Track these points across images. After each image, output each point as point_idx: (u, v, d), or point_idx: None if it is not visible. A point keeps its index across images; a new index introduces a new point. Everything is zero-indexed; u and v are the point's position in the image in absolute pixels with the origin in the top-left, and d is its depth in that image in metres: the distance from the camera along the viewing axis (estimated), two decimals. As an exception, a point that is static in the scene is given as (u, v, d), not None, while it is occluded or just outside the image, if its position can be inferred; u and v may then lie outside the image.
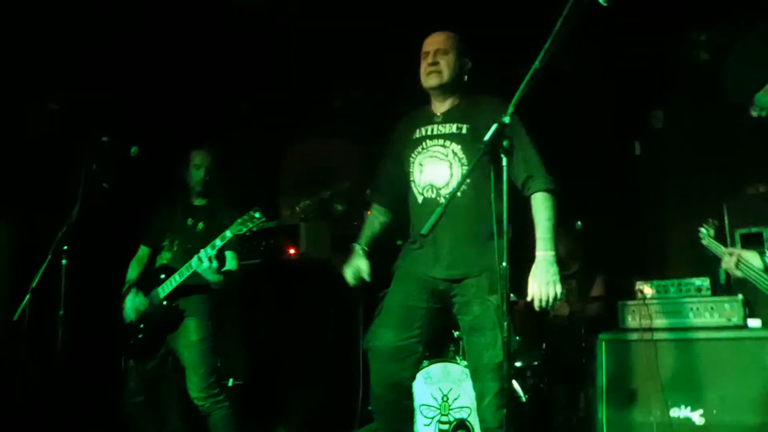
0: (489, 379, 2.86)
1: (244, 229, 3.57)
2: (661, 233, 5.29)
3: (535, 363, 4.57)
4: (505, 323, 2.12)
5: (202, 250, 3.64)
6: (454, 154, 3.02)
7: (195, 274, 3.72)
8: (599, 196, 5.17)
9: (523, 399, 4.27)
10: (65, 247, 3.56)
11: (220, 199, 4.08)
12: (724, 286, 4.11)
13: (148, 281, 3.98)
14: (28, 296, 3.54)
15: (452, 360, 4.35)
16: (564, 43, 2.22)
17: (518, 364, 4.59)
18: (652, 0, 4.52)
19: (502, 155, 2.14)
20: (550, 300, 2.75)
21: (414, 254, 3.09)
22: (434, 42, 3.09)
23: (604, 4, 2.26)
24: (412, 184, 3.12)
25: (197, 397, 3.78)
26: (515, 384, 4.35)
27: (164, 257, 4.01)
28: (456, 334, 4.62)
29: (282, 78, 5.57)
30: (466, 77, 3.11)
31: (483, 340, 2.89)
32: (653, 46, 4.96)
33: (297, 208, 5.69)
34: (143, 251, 4.14)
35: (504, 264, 2.13)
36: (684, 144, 5.19)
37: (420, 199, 3.08)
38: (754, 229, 4.22)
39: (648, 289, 3.86)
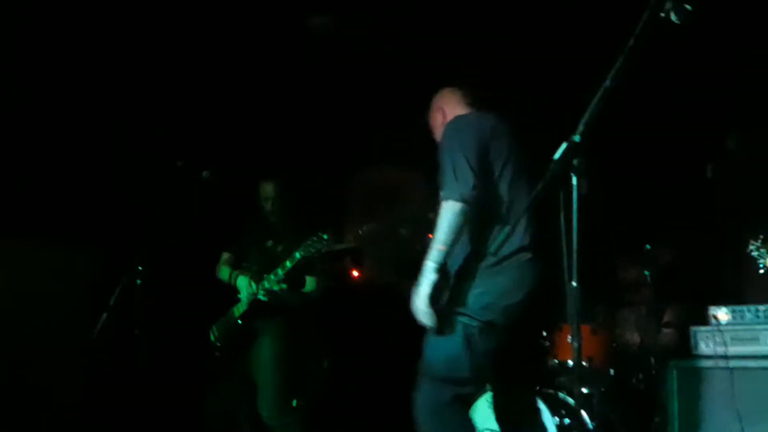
0: None
1: (313, 251, 3.64)
2: (737, 258, 5.12)
3: (603, 389, 4.46)
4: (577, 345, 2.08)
5: (272, 272, 3.74)
6: None
7: (272, 294, 3.81)
8: (671, 220, 5.07)
9: (590, 426, 4.18)
10: (140, 268, 3.69)
11: (298, 221, 4.16)
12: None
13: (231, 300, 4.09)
14: (105, 315, 3.67)
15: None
16: (636, 61, 2.21)
17: (585, 390, 4.50)
18: (729, 18, 4.45)
19: (573, 174, 2.13)
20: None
21: None
22: None
23: (677, 22, 2.24)
24: None
25: (268, 416, 3.84)
26: (582, 412, 4.26)
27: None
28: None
29: (349, 105, 5.65)
30: None
31: None
32: (729, 65, 4.87)
33: (361, 232, 5.76)
34: (226, 255, 4.25)
35: (574, 283, 2.11)
36: (757, 166, 5.05)
37: None
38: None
39: (723, 315, 3.74)
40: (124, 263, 3.73)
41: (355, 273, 5.40)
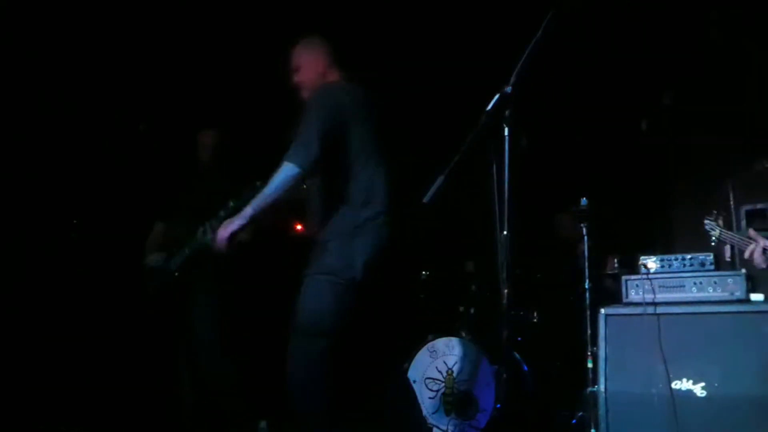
0: None
1: (248, 200, 3.60)
2: (669, 210, 5.29)
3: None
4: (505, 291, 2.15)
5: (207, 222, 3.70)
6: None
7: (205, 246, 3.77)
8: (606, 173, 5.18)
9: (526, 368, 4.34)
10: (75, 221, 3.63)
11: (231, 173, 4.14)
12: (729, 262, 4.13)
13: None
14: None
15: (456, 334, 4.41)
16: (569, 15, 2.23)
17: (520, 338, 4.65)
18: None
19: (504, 125, 2.16)
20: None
21: None
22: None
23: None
24: None
25: (207, 369, 3.85)
26: (517, 356, 4.41)
27: (178, 232, 4.07)
28: (461, 308, 4.68)
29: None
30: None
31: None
32: (663, 21, 4.94)
33: (304, 185, 5.71)
34: (158, 228, 4.21)
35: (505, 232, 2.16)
36: (690, 120, 5.19)
37: None
38: (759, 205, 4.23)
39: (651, 264, 3.87)
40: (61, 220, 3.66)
41: (299, 227, 5.38)
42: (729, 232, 3.22)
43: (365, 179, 3.03)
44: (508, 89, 2.17)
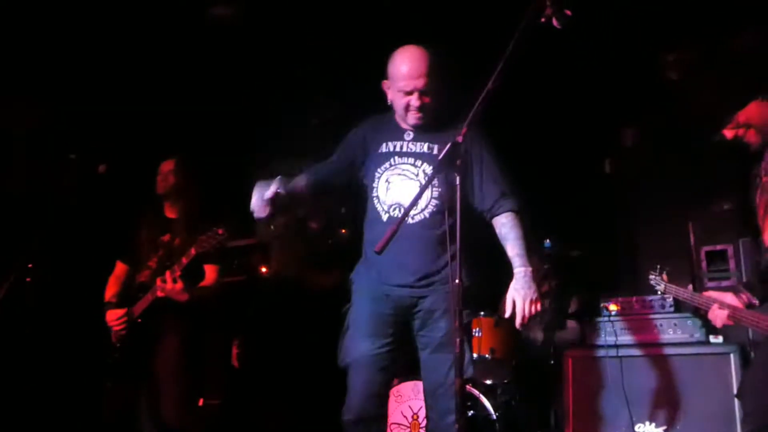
0: (451, 397, 2.80)
1: (207, 246, 3.56)
2: (631, 251, 5.33)
3: (506, 380, 4.58)
4: (458, 340, 2.13)
5: (168, 271, 3.64)
6: (425, 174, 2.94)
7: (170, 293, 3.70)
8: (570, 214, 5.21)
9: (494, 416, 4.28)
10: (30, 266, 3.55)
11: (195, 213, 4.00)
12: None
13: (128, 299, 3.94)
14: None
15: (422, 378, 4.36)
16: (520, 63, 2.26)
17: (488, 381, 4.61)
18: (623, 20, 4.60)
19: (456, 174, 2.17)
20: (533, 316, 2.78)
21: (375, 265, 3.03)
22: (416, 78, 2.91)
23: (559, 27, 2.30)
24: (375, 201, 3.04)
25: (169, 417, 3.75)
26: (485, 401, 4.36)
27: (143, 275, 3.98)
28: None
29: (257, 92, 5.54)
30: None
31: (450, 357, 2.82)
32: (623, 64, 5.04)
33: (271, 227, 5.69)
34: (120, 268, 4.11)
35: (456, 281, 2.15)
36: (652, 162, 5.26)
37: (385, 217, 3.00)
38: (719, 246, 4.29)
39: (613, 306, 3.90)
40: (12, 260, 3.59)
41: (264, 269, 5.34)
42: (673, 286, 3.22)
43: None
44: (459, 139, 2.18)
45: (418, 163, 2.97)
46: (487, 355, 4.46)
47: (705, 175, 4.80)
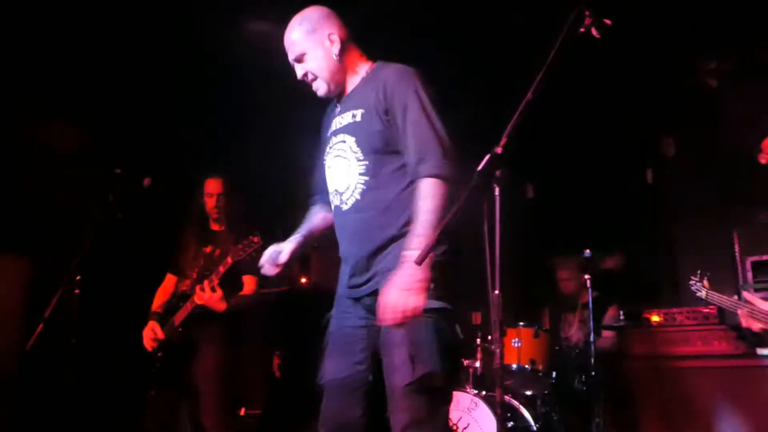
0: (402, 410, 2.27)
1: (244, 255, 3.60)
2: (673, 261, 5.26)
3: (546, 392, 4.54)
4: (497, 351, 2.12)
5: (206, 280, 3.70)
6: (351, 149, 2.48)
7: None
8: (611, 224, 5.17)
9: (534, 428, 4.25)
10: (78, 278, 3.64)
11: (239, 226, 4.02)
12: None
13: (170, 309, 4.02)
14: (41, 325, 3.62)
15: (461, 388, 4.35)
16: (559, 73, 2.26)
17: (528, 392, 4.57)
18: (663, 29, 4.57)
19: (495, 185, 2.16)
20: (401, 313, 2.15)
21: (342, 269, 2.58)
22: (289, 52, 2.57)
23: (598, 37, 2.30)
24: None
25: (211, 426, 3.79)
26: (525, 412, 4.33)
27: (184, 284, 4.05)
28: (466, 362, 4.62)
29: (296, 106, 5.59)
30: (339, 52, 2.55)
31: (387, 362, 2.33)
32: (664, 73, 4.99)
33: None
34: (169, 279, 4.19)
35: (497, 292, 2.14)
36: (695, 171, 5.19)
37: (333, 208, 2.59)
38: (765, 257, 4.21)
39: (656, 318, 3.84)
40: (61, 273, 3.68)
41: (304, 280, 5.39)
42: (716, 293, 3.17)
43: None
44: (499, 149, 2.17)
45: (346, 137, 2.51)
46: (527, 366, 4.44)
47: (749, 185, 4.72)
